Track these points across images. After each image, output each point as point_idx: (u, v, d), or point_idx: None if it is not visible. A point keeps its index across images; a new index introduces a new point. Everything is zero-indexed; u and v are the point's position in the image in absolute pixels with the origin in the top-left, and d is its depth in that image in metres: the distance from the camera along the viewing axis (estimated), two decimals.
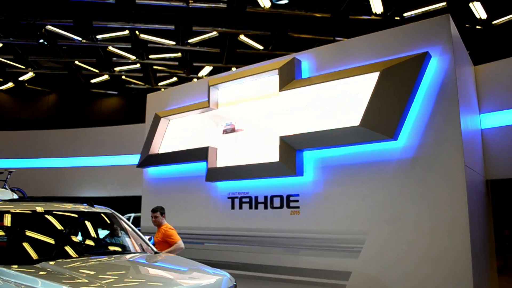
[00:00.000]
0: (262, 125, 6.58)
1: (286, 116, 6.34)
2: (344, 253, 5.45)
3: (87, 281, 2.92)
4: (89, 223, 4.33)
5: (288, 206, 6.12)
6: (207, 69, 14.52)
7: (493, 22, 9.98)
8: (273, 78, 6.53)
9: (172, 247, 5.51)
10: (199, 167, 7.21)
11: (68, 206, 4.31)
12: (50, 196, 12.44)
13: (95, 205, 4.51)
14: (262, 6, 9.63)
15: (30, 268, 3.15)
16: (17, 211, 3.89)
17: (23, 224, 3.83)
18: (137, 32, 11.53)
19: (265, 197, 6.37)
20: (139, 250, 4.30)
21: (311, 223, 5.84)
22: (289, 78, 6.30)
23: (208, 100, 7.24)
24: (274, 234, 6.17)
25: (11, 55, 13.32)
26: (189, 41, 11.88)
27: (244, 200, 6.59)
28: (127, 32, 11.51)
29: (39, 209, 3.97)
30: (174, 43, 11.98)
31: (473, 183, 5.32)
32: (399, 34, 5.70)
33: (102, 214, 4.51)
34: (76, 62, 14.07)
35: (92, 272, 3.26)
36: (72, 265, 3.36)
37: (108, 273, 3.34)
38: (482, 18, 9.60)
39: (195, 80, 14.37)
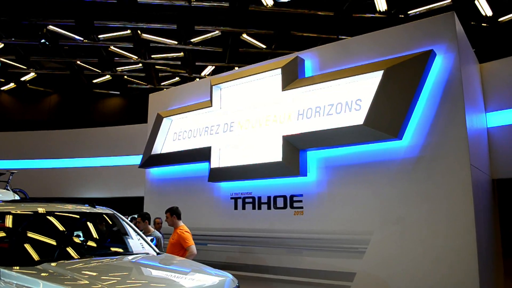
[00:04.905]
0: (265, 125, 6.53)
1: (289, 115, 6.29)
2: (349, 253, 5.40)
3: (88, 282, 2.89)
4: (91, 224, 4.30)
5: (292, 207, 6.07)
6: (210, 68, 14.48)
7: (499, 19, 9.90)
8: (276, 77, 6.48)
9: (187, 254, 5.37)
10: (202, 167, 7.18)
11: (70, 207, 4.28)
12: (51, 197, 12.43)
13: (96, 206, 4.48)
14: (265, 4, 9.59)
15: (32, 269, 3.13)
16: (19, 212, 3.86)
17: (25, 225, 3.80)
18: (139, 31, 11.50)
19: (269, 198, 6.33)
20: (141, 251, 4.26)
21: (315, 223, 5.80)
22: (292, 77, 6.25)
23: (211, 100, 7.20)
24: (277, 234, 6.12)
25: (13, 56, 13.31)
26: (192, 40, 11.84)
27: (247, 200, 6.55)
28: (129, 31, 11.48)
29: (41, 210, 3.95)
30: (176, 42, 11.95)
31: (479, 182, 5.26)
32: (403, 32, 5.65)
33: (104, 215, 4.47)
34: (78, 62, 14.06)
35: (94, 273, 3.24)
36: (73, 266, 3.33)
37: (110, 274, 3.31)
38: (488, 15, 9.51)
39: (197, 79, 14.34)
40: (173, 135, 7.89)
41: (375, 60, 5.59)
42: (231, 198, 6.76)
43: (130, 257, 3.99)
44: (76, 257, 3.63)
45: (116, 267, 3.58)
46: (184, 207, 7.20)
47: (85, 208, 4.34)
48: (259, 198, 6.42)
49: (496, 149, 6.25)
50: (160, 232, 6.63)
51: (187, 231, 5.61)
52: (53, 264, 3.29)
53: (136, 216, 6.95)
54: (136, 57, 13.27)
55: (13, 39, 12.01)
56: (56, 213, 4.03)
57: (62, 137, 14.13)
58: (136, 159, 9.51)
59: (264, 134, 6.48)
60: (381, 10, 9.56)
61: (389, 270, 5.09)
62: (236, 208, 6.67)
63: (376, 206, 5.32)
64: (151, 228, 6.35)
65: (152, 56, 13.30)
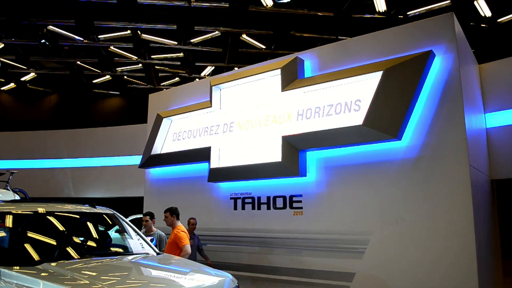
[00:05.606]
0: (265, 125, 6.54)
1: (289, 115, 6.30)
2: (348, 254, 5.41)
3: (88, 282, 2.89)
4: (91, 224, 4.30)
5: (291, 207, 6.08)
6: (209, 68, 14.49)
7: (498, 20, 9.90)
8: (276, 77, 6.49)
9: (182, 253, 5.45)
10: (202, 167, 7.18)
11: (70, 207, 4.29)
12: (51, 197, 12.45)
13: (96, 206, 4.48)
14: (265, 5, 9.59)
15: (32, 269, 3.13)
16: (19, 212, 3.86)
17: (25, 225, 3.80)
18: (139, 32, 11.50)
19: (268, 198, 6.34)
20: (141, 251, 4.27)
21: (314, 223, 5.81)
22: (292, 78, 6.26)
23: (210, 100, 7.21)
24: (277, 235, 6.13)
25: (13, 56, 13.31)
26: (191, 40, 11.84)
27: (246, 200, 6.56)
28: (129, 32, 11.48)
29: (41, 210, 3.95)
30: (176, 42, 11.95)
31: (478, 183, 5.27)
32: (402, 32, 5.66)
33: (104, 215, 4.48)
34: (78, 63, 14.06)
35: (93, 273, 3.23)
36: (73, 266, 3.34)
37: (110, 274, 3.31)
38: (487, 16, 9.51)
39: (197, 80, 14.35)
40: (173, 135, 7.90)
41: (374, 61, 5.60)
42: (231, 198, 6.76)
43: (129, 257, 3.99)
44: (76, 257, 3.63)
45: (115, 267, 3.59)
46: (183, 207, 7.23)
47: (85, 208, 4.35)
48: (259, 198, 6.43)
49: (495, 149, 6.26)
50: (194, 234, 6.54)
51: (183, 231, 5.70)
52: (53, 264, 3.29)
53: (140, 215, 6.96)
54: (136, 57, 13.27)
55: (13, 39, 12.01)
56: (56, 213, 4.03)
57: (62, 137, 14.13)
58: (136, 159, 9.52)
59: (263, 134, 6.49)
60: (381, 11, 9.56)
61: (388, 270, 5.10)
62: (235, 208, 6.68)
63: (375, 206, 5.33)
64: (154, 228, 6.36)
65: (152, 56, 13.29)
